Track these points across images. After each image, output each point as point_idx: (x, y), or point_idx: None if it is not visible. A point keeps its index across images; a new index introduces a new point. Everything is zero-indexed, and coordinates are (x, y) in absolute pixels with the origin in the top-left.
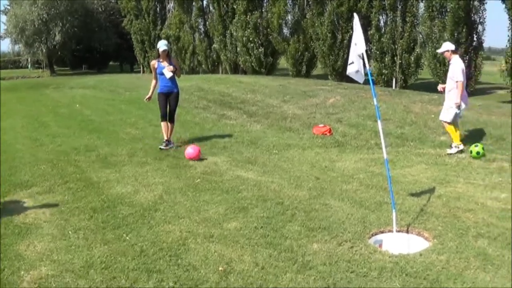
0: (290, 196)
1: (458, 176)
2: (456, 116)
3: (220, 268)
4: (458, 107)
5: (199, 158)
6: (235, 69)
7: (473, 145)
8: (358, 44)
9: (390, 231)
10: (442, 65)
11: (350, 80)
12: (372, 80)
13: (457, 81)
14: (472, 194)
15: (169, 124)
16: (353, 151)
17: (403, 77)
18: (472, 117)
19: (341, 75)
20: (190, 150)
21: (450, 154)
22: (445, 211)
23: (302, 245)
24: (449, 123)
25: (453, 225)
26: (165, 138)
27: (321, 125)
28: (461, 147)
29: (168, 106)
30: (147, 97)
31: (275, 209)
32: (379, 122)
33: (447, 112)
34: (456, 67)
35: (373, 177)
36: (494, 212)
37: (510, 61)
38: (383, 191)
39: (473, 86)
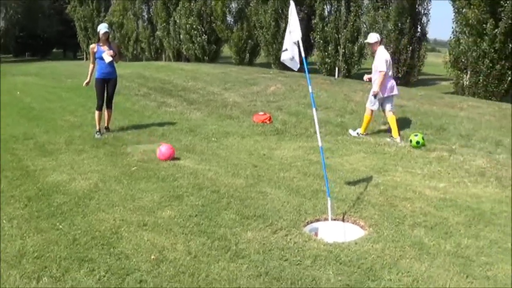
0: (227, 184)
1: (397, 165)
2: (377, 103)
3: (152, 257)
4: (375, 95)
5: (171, 157)
6: (178, 56)
7: (413, 135)
8: (293, 31)
9: (326, 219)
10: None
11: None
12: (308, 68)
13: (380, 71)
14: (410, 183)
15: (107, 111)
16: (292, 139)
17: (346, 67)
18: (413, 106)
19: (284, 64)
20: (164, 150)
21: (353, 136)
22: (382, 199)
23: (236, 233)
24: (368, 109)
25: (390, 213)
26: (97, 128)
27: (261, 113)
28: (359, 130)
29: (106, 93)
30: (85, 82)
31: (210, 197)
32: (314, 110)
33: (370, 99)
34: (381, 57)
35: (311, 165)
36: (431, 201)
37: (453, 53)
38: (320, 179)
39: (416, 77)
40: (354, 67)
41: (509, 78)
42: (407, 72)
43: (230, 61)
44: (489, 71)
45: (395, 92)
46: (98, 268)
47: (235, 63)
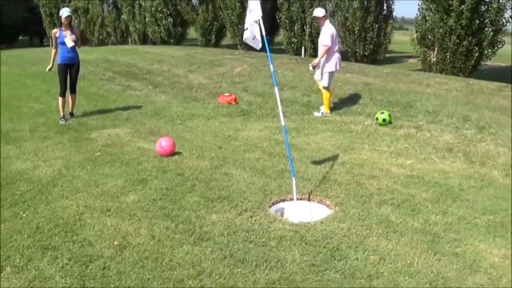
0: (191, 166)
1: (363, 143)
2: (331, 79)
3: (115, 243)
4: (314, 67)
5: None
6: (144, 39)
7: (379, 112)
8: (253, 10)
9: (292, 199)
10: (351, 33)
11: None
12: (270, 47)
13: (324, 45)
14: (377, 161)
15: (71, 96)
16: (258, 120)
17: (312, 46)
18: (380, 84)
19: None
20: (165, 145)
21: (319, 117)
22: (348, 178)
23: (200, 216)
24: (325, 88)
25: (356, 192)
26: (62, 114)
27: (227, 94)
28: (323, 110)
29: (69, 78)
30: (48, 67)
31: (175, 180)
32: (275, 89)
33: (323, 77)
34: (326, 32)
35: (276, 145)
36: (398, 178)
37: (420, 30)
38: (286, 159)
39: (383, 55)
40: None
41: (476, 54)
42: (373, 50)
43: (196, 43)
44: (456, 47)
45: (339, 68)
46: (61, 256)
47: (201, 45)
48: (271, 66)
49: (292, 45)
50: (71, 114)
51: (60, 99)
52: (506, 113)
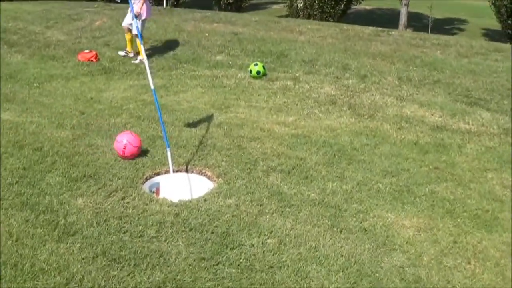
0: (51, 138)
1: (239, 99)
2: (143, 26)
3: None
4: (137, 16)
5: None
6: None
7: (252, 64)
8: None
9: (167, 172)
10: None
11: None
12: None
13: None
14: (256, 120)
15: None
16: (122, 78)
17: None
18: (249, 33)
19: None
20: (131, 148)
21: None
22: (227, 142)
23: (64, 201)
24: (133, 34)
25: (239, 158)
26: None
27: (87, 50)
28: (131, 55)
29: None
30: None
31: (33, 157)
32: (140, 40)
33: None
34: None
35: (144, 106)
36: (283, 139)
37: None
38: (156, 123)
39: (247, 2)
40: None
41: None
42: None
43: None
44: None
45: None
46: None
47: None
48: (132, 15)
49: None
50: None
51: None
52: (387, 60)
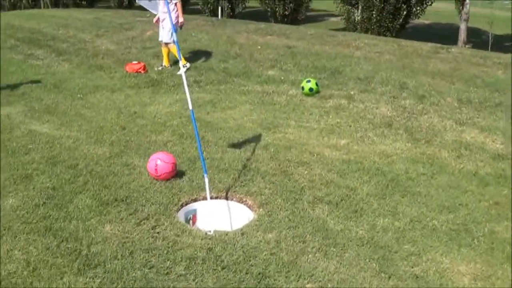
0: (87, 154)
1: (289, 118)
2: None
3: None
4: (181, 26)
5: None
6: (56, 2)
7: (305, 81)
8: None
9: (206, 198)
10: None
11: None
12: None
13: (176, 2)
14: (306, 142)
15: None
16: (168, 92)
17: (230, 6)
18: (303, 47)
19: None
20: (164, 165)
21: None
22: (273, 166)
23: (90, 228)
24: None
25: (284, 186)
26: None
27: (135, 62)
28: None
29: None
30: None
31: (65, 175)
32: (180, 63)
33: (169, 33)
34: None
35: (189, 123)
36: (333, 165)
37: None
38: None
39: (304, 14)
40: (238, 6)
41: (404, 12)
42: (294, 9)
43: (110, 4)
44: (382, 5)
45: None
46: None
47: (114, 6)
48: (172, 29)
49: (209, 5)
50: None
51: None
52: (447, 79)
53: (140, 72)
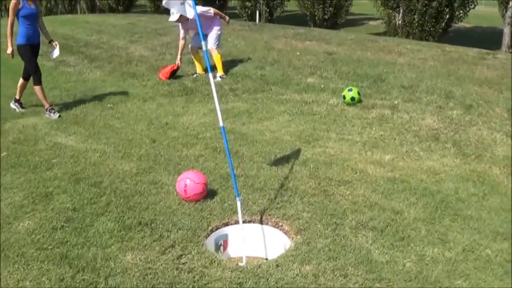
0: (113, 171)
1: (329, 130)
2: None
3: None
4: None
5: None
6: (93, 8)
7: (346, 89)
8: None
9: (238, 222)
10: None
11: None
12: (197, 13)
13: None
14: (348, 157)
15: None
16: (202, 101)
17: (268, 10)
18: (344, 53)
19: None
20: (194, 186)
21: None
22: (312, 185)
23: (110, 256)
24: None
25: (324, 208)
26: (47, 104)
27: (169, 66)
28: (219, 74)
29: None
30: (8, 51)
31: (87, 194)
32: (210, 75)
33: (214, 40)
34: None
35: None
36: (378, 184)
37: None
38: (233, 157)
39: (343, 18)
40: (276, 10)
41: (447, 16)
42: (334, 13)
43: (146, 9)
44: (424, 9)
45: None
46: None
47: (150, 11)
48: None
49: (246, 9)
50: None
51: (38, 88)
52: (494, 87)
53: (174, 69)
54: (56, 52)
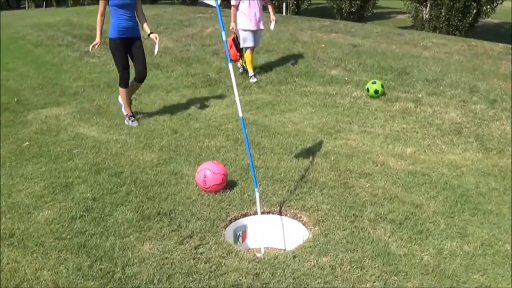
0: (134, 161)
1: (352, 122)
2: (249, 39)
3: None
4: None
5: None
6: None
7: (370, 82)
8: None
9: (256, 213)
10: None
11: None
12: (218, 4)
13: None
14: (369, 150)
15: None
16: (226, 92)
17: (295, 2)
18: (369, 46)
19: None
20: (213, 177)
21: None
22: (332, 177)
23: (128, 246)
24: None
25: (343, 200)
26: (128, 111)
27: (228, 45)
28: (251, 74)
29: (131, 60)
30: (94, 42)
31: (107, 184)
32: (229, 63)
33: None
34: None
35: (245, 126)
36: (398, 177)
37: None
38: (254, 149)
39: (370, 11)
40: (304, 2)
41: (474, 11)
42: (361, 6)
43: (173, 1)
44: (452, 3)
45: (261, 27)
46: None
47: (177, 2)
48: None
49: (273, 1)
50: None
51: (123, 90)
52: None
53: (234, 40)
54: (156, 48)
